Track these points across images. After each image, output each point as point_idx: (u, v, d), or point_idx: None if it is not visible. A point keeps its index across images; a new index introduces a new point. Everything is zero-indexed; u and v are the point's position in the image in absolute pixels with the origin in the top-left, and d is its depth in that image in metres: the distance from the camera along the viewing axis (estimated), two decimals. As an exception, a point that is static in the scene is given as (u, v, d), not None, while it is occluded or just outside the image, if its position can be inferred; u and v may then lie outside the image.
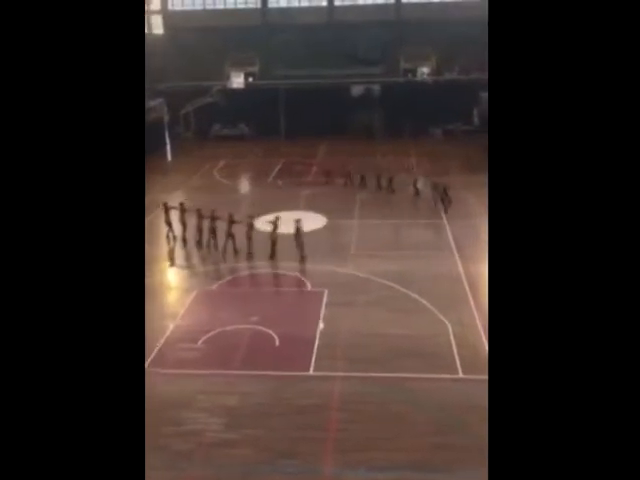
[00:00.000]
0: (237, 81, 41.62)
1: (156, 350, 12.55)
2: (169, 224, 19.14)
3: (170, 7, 42.04)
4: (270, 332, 13.25)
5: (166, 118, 31.73)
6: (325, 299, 14.87)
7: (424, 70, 40.65)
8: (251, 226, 17.83)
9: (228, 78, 41.04)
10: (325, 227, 20.79)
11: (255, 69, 41.08)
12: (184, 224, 19.02)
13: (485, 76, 34.83)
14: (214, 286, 15.96)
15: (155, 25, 41.62)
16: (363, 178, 25.72)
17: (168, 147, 30.78)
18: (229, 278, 16.35)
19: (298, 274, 16.47)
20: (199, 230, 18.50)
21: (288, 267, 16.99)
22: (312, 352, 12.40)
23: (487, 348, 12.29)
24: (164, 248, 18.99)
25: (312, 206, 23.06)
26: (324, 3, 40.76)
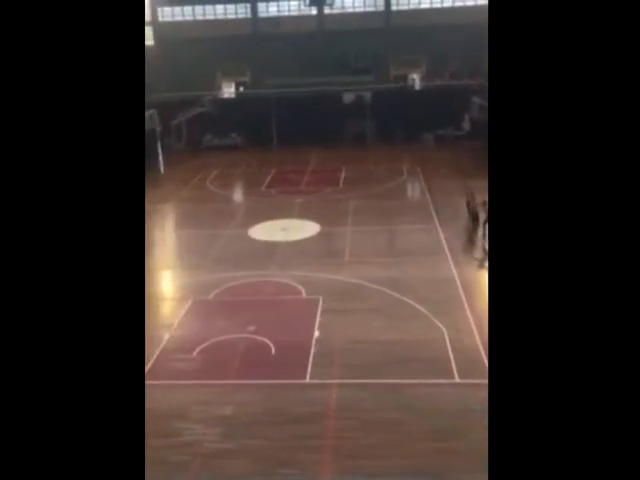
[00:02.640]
0: (228, 91, 41.72)
1: (151, 361, 12.48)
2: None
3: (160, 18, 42.15)
4: (266, 341, 13.20)
5: (157, 129, 31.69)
6: (320, 306, 14.84)
7: (414, 76, 40.85)
8: None
9: (219, 88, 41.12)
10: (318, 234, 20.79)
11: (246, 78, 41.19)
12: None
13: (475, 81, 35.09)
14: (209, 295, 15.91)
15: (146, 36, 41.74)
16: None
17: (160, 158, 30.78)
18: (224, 287, 16.31)
19: (293, 282, 16.45)
20: None
21: (282, 275, 16.97)
22: (308, 360, 12.36)
23: (483, 352, 12.28)
24: (157, 258, 18.94)
25: (305, 214, 23.08)
26: (314, 12, 40.97)
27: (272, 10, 41.45)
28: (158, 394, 11.19)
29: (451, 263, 17.35)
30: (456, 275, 16.46)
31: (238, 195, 29.37)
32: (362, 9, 40.97)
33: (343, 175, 29.53)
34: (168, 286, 17.28)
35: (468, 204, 20.55)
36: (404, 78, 40.93)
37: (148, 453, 8.26)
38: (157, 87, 36.76)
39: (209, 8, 41.53)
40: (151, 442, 9.52)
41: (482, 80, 34.24)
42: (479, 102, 33.91)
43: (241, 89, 41.41)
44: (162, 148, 32.09)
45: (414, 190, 27.19)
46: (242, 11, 41.46)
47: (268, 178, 29.79)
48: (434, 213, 22.39)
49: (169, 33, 40.93)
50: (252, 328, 13.78)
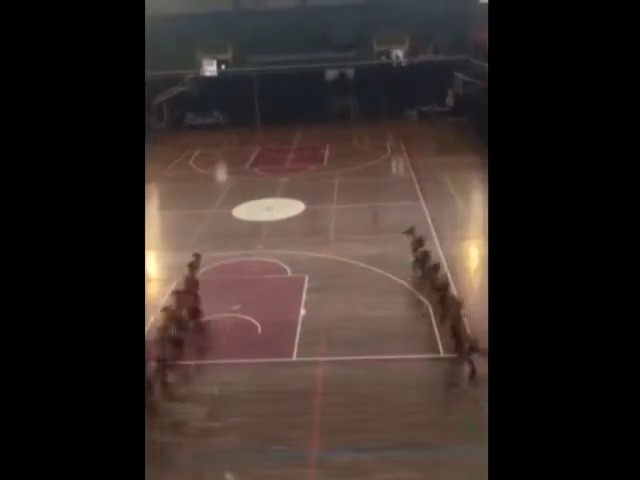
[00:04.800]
0: (210, 69, 41.07)
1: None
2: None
3: (138, -5, 41.25)
4: (252, 320, 13.25)
5: (139, 108, 31.21)
6: (306, 285, 14.89)
7: (398, 52, 40.53)
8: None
9: (200, 66, 40.51)
10: (303, 213, 20.77)
11: (228, 56, 40.57)
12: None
13: (459, 56, 34.92)
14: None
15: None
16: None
17: (142, 138, 30.40)
18: (209, 267, 16.28)
19: (278, 261, 16.46)
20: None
21: (268, 254, 16.96)
22: (295, 338, 12.44)
23: (467, 327, 12.42)
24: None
25: (289, 193, 23.00)
26: (295, -13, 40.30)
27: (253, -15, 40.69)
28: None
29: (436, 240, 17.44)
30: (440, 252, 16.55)
31: (222, 174, 29.18)
32: (344, -16, 40.33)
33: (327, 153, 29.43)
34: (153, 267, 17.21)
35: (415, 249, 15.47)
36: (387, 54, 40.61)
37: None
38: (137, 66, 36.08)
39: (188, -16, 40.68)
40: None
41: (465, 55, 34.10)
42: (462, 77, 33.80)
43: (223, 67, 40.83)
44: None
45: (398, 167, 27.19)
46: (222, -13, 40.68)
47: (252, 157, 29.60)
48: (418, 190, 22.42)
49: (148, 10, 40.00)
50: (238, 308, 13.81)
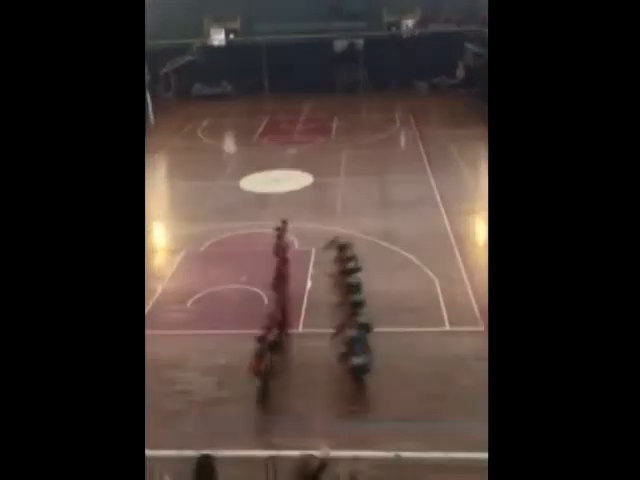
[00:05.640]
0: (218, 38, 40.60)
1: (145, 312, 12.58)
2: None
3: (145, -39, 40.55)
4: (259, 292, 13.30)
5: (146, 78, 30.91)
6: (313, 258, 14.90)
7: (408, 22, 39.87)
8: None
9: (208, 35, 40.04)
10: (311, 185, 20.69)
11: (236, 25, 40.06)
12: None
13: (469, 27, 34.31)
14: (202, 247, 15.93)
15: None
16: None
17: (150, 108, 30.17)
18: (216, 239, 16.32)
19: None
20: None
21: (275, 226, 16.91)
22: (301, 310, 12.50)
23: (474, 301, 12.45)
24: (149, 209, 18.84)
25: (297, 164, 22.89)
26: (304, -46, 39.49)
27: (261, -48, 39.88)
28: (152, 344, 11.27)
29: (444, 214, 17.38)
30: (448, 225, 16.51)
31: (229, 145, 29.05)
32: (354, -49, 39.44)
33: (335, 124, 29.19)
34: (160, 238, 17.27)
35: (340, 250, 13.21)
36: (397, 24, 39.96)
37: (145, 401, 8.29)
38: (144, 34, 35.61)
39: (196, -50, 39.91)
40: (148, 391, 9.69)
41: (476, 26, 33.51)
42: (473, 49, 33.27)
43: (231, 36, 40.34)
44: (151, 97, 31.44)
45: (407, 140, 26.94)
46: (230, -47, 39.90)
47: (260, 128, 29.41)
48: (427, 163, 22.27)
49: (155, -23, 39.47)
50: (245, 279, 13.87)
